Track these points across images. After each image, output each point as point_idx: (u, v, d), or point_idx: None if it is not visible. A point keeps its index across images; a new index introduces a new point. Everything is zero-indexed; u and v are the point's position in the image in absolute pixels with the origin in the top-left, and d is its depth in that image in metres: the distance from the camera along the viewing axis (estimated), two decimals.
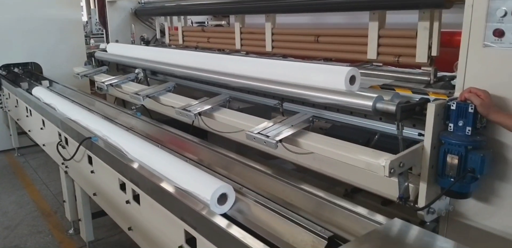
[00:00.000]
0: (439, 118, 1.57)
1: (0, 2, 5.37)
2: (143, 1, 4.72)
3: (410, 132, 1.83)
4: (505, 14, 1.49)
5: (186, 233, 1.75)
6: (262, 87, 2.37)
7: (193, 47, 4.03)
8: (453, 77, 1.96)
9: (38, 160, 5.39)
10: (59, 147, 3.21)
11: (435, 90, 1.93)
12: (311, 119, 2.16)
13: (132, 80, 3.80)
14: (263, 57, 3.00)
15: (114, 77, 3.88)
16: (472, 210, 1.69)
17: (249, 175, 2.09)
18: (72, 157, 2.87)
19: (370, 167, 1.59)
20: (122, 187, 2.32)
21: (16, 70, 5.68)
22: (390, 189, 1.71)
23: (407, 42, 2.22)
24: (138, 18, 4.88)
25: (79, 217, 3.36)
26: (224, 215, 1.70)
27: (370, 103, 1.77)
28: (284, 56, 3.14)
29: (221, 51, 3.77)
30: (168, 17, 4.38)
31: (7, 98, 5.28)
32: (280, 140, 1.95)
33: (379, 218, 1.56)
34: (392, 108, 1.70)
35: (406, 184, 1.65)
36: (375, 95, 1.78)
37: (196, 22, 4.99)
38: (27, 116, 4.31)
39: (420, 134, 1.77)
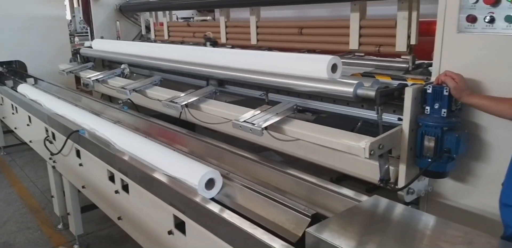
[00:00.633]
0: (416, 102, 1.63)
1: None
2: None
3: (390, 117, 1.89)
4: (477, 1, 1.56)
5: (175, 218, 1.79)
6: (247, 77, 2.41)
7: (179, 42, 4.05)
8: (431, 64, 2.03)
9: (25, 158, 5.37)
10: (46, 143, 3.22)
11: (413, 76, 2.00)
12: (295, 107, 2.21)
13: (118, 75, 3.80)
14: (249, 50, 3.04)
15: (100, 72, 3.88)
16: (451, 190, 1.76)
17: (237, 162, 2.14)
18: (60, 151, 2.88)
19: (351, 149, 1.65)
20: (111, 178, 2.35)
21: (0, 68, 5.64)
22: (373, 173, 1.77)
23: (387, 31, 2.28)
24: (123, 15, 4.88)
25: (68, 211, 3.37)
26: (212, 200, 1.75)
27: (351, 90, 1.83)
28: (269, 49, 3.18)
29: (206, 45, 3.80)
30: (153, 13, 4.40)
31: None
32: (266, 128, 2.00)
33: (363, 198, 1.61)
34: (372, 93, 1.76)
35: (386, 166, 1.72)
36: (355, 82, 1.84)
37: (182, 18, 5.00)
38: (13, 113, 4.29)
39: (399, 119, 1.83)
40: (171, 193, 1.80)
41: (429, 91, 1.60)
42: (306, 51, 2.89)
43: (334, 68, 2.01)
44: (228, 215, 1.50)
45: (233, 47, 3.49)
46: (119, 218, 2.34)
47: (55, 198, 3.59)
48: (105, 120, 2.94)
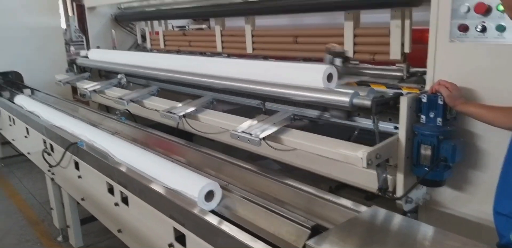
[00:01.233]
0: (412, 111, 1.65)
1: None
2: (123, 7, 4.75)
3: (386, 126, 1.91)
4: (468, 10, 1.58)
5: (175, 230, 1.80)
6: (244, 87, 2.43)
7: (175, 51, 4.07)
8: (425, 72, 2.06)
9: (23, 169, 5.35)
10: (45, 154, 3.21)
11: (408, 84, 2.01)
12: (292, 116, 2.22)
13: (115, 86, 3.81)
14: (244, 59, 3.07)
15: (97, 83, 3.89)
16: (449, 198, 1.78)
17: (235, 173, 2.15)
18: (58, 163, 2.89)
19: (349, 159, 1.66)
20: (110, 190, 2.35)
21: None
22: (371, 182, 1.79)
23: (381, 40, 2.30)
24: (118, 24, 4.89)
25: (68, 224, 3.37)
26: (212, 212, 1.75)
27: (347, 99, 1.85)
28: (265, 57, 3.20)
29: (202, 54, 3.82)
30: (149, 22, 4.41)
31: None
32: (263, 138, 2.01)
33: (362, 208, 1.63)
34: (368, 103, 1.78)
35: (384, 175, 1.73)
36: (351, 91, 1.86)
37: (177, 27, 5.02)
38: (10, 125, 4.29)
39: (396, 128, 1.85)
40: (170, 205, 1.81)
41: (424, 100, 1.62)
42: (301, 59, 2.91)
43: (329, 77, 2.03)
44: (228, 228, 1.51)
45: (228, 56, 3.50)
46: (119, 231, 2.34)
47: (54, 210, 3.58)
48: (104, 131, 2.94)
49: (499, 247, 1.35)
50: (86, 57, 4.47)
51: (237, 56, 3.41)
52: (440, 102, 1.57)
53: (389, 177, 1.75)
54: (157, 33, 4.30)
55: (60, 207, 3.49)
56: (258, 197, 1.84)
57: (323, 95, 1.96)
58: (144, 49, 4.63)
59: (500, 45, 1.53)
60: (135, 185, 2.08)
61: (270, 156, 2.26)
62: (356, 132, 2.24)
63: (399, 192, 1.72)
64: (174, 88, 3.41)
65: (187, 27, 5.14)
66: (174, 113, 2.66)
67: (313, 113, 2.27)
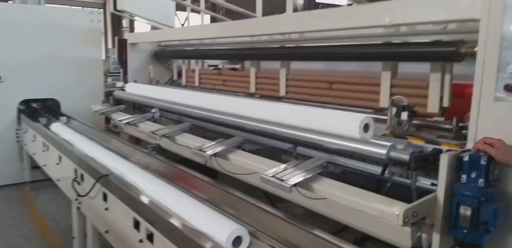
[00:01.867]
0: (452, 169, 1.61)
1: (25, 40, 5.61)
2: (162, 44, 4.95)
3: (423, 181, 1.86)
4: None
5: None
6: (276, 130, 2.44)
7: (209, 89, 4.17)
8: (464, 127, 2.03)
9: (49, 194, 5.42)
10: (74, 183, 3.26)
11: (447, 140, 1.98)
12: (324, 164, 2.20)
13: (149, 120, 3.90)
14: (278, 101, 3.10)
15: (131, 116, 3.99)
16: None
17: (261, 218, 2.11)
18: (87, 194, 2.91)
19: (384, 215, 1.61)
20: (136, 225, 2.34)
21: (35, 105, 5.85)
22: (403, 238, 1.72)
23: (419, 92, 2.30)
24: (156, 60, 5.09)
25: None
26: None
27: (384, 152, 1.83)
28: (298, 101, 3.24)
29: (236, 93, 3.90)
30: (186, 60, 4.57)
31: (24, 132, 5.41)
32: (295, 184, 1.99)
33: None
34: (406, 157, 1.75)
35: (419, 234, 1.67)
36: (389, 144, 1.84)
37: (209, 65, 5.17)
38: (43, 151, 4.39)
39: (432, 184, 1.80)
40: None
41: (466, 159, 1.58)
42: (335, 106, 2.92)
43: (366, 127, 2.02)
44: None
45: (261, 97, 3.56)
46: None
47: (76, 240, 3.57)
48: (135, 165, 2.98)
49: None
50: (122, 88, 4.62)
51: (270, 98, 3.46)
52: (483, 162, 1.52)
53: (423, 235, 1.69)
54: (193, 70, 4.44)
55: (82, 237, 3.48)
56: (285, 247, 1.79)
57: (359, 145, 1.95)
58: (179, 85, 4.76)
59: None
60: (162, 222, 2.07)
61: (298, 202, 2.22)
62: (388, 184, 2.20)
63: None
64: (206, 125, 3.45)
65: (222, 65, 5.29)
66: (205, 152, 2.68)
67: (346, 161, 2.25)
